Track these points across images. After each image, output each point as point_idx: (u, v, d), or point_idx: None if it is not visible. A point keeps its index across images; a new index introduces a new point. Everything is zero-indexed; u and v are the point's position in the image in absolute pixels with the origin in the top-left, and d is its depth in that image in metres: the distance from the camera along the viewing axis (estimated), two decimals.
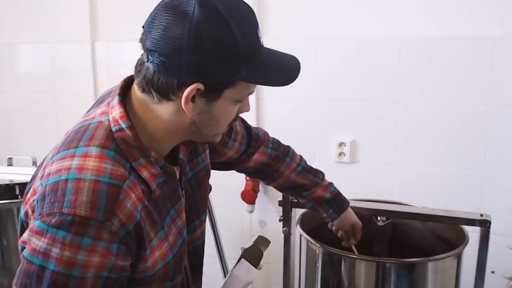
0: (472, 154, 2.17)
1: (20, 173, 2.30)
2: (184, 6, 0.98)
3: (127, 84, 1.12)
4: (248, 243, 1.52)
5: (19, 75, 3.01)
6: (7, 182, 2.35)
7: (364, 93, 2.28)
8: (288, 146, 1.62)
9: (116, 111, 1.07)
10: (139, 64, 1.05)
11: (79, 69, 2.76)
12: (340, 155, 2.34)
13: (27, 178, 1.15)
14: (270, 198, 2.54)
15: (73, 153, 1.02)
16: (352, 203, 1.64)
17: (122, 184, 1.00)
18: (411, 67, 2.19)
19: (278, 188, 1.63)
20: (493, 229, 1.49)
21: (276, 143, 1.59)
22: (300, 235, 1.68)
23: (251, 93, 1.12)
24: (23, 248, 0.98)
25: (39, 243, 0.94)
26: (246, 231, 2.61)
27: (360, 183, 2.31)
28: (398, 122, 2.25)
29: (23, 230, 1.03)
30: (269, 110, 2.46)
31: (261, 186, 2.53)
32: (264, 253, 1.49)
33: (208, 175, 1.39)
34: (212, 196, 2.22)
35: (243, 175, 1.87)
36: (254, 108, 2.44)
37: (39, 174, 1.06)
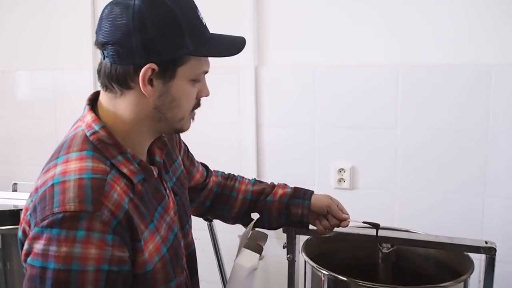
0: (472, 180, 2.18)
1: (24, 199, 2.30)
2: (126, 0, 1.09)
3: (94, 97, 1.20)
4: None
5: (20, 101, 3.03)
6: (12, 208, 2.36)
7: (363, 120, 2.30)
8: None
9: (87, 118, 1.14)
10: (99, 66, 1.14)
11: (81, 96, 2.74)
12: (339, 181, 2.36)
13: None
14: None
15: (55, 163, 1.09)
16: (355, 230, 1.65)
17: (105, 177, 1.05)
18: (409, 94, 2.22)
19: (244, 210, 1.62)
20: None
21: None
22: (305, 262, 1.68)
23: (205, 72, 1.20)
24: (26, 259, 1.02)
25: (37, 245, 0.98)
26: None
27: (360, 209, 2.26)
28: (397, 148, 2.27)
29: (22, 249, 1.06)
30: (268, 136, 2.48)
31: None
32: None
33: (187, 180, 1.46)
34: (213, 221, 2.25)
35: None
36: (253, 135, 2.47)
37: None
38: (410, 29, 2.20)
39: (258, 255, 1.52)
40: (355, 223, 1.59)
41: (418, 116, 2.23)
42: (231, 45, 1.21)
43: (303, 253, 1.69)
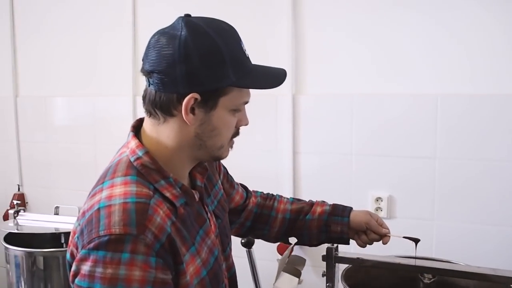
0: (510, 211, 2.16)
1: (65, 222, 2.37)
2: (173, 30, 1.13)
3: (138, 124, 1.25)
4: None
5: (60, 127, 3.10)
6: (53, 231, 2.41)
7: (401, 149, 2.30)
8: None
9: (132, 144, 1.19)
10: (144, 92, 1.19)
11: (120, 122, 2.84)
12: (376, 210, 2.36)
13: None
14: (304, 252, 2.54)
15: (101, 188, 1.12)
16: (396, 260, 1.64)
17: (149, 201, 1.08)
18: (448, 123, 2.22)
19: (284, 229, 1.63)
20: None
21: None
22: None
23: (246, 102, 1.23)
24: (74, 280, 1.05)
25: (84, 267, 1.01)
26: None
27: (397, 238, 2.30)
28: (435, 178, 2.26)
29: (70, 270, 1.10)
30: (305, 164, 2.50)
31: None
32: None
33: (227, 203, 1.49)
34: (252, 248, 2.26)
35: None
36: (290, 162, 2.49)
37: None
38: (449, 58, 2.21)
39: (297, 279, 1.53)
40: (395, 238, 1.59)
41: (457, 146, 2.22)
42: (273, 77, 1.23)
43: (342, 282, 1.68)
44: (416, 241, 1.60)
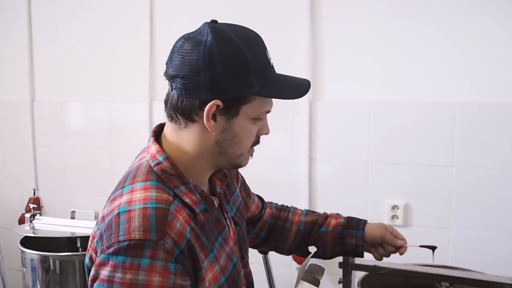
0: None
1: (82, 226, 2.38)
2: (199, 35, 1.12)
3: (158, 129, 1.25)
4: None
5: (76, 132, 3.12)
6: (69, 235, 2.42)
7: (418, 157, 2.29)
8: None
9: (152, 149, 1.19)
10: (166, 96, 1.18)
11: (136, 127, 2.86)
12: (393, 218, 2.35)
13: (89, 232, 1.23)
14: (320, 260, 2.53)
15: (121, 193, 1.12)
16: (413, 268, 1.63)
17: (168, 207, 1.08)
18: (466, 132, 2.21)
19: (298, 241, 1.63)
20: None
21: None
22: None
23: (268, 111, 1.22)
24: (93, 285, 1.04)
25: (103, 272, 1.01)
26: None
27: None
28: (452, 186, 2.25)
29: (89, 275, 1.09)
30: (321, 171, 2.49)
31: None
32: None
33: (245, 211, 1.49)
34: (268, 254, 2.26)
35: None
36: (306, 169, 2.49)
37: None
38: (467, 65, 2.20)
39: (316, 287, 1.52)
40: (412, 247, 1.58)
41: (475, 154, 2.21)
42: (296, 88, 1.22)
43: None
44: (433, 248, 1.60)
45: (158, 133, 1.24)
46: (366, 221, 1.61)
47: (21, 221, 2.95)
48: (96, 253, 1.07)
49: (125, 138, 2.90)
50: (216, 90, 1.10)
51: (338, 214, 1.65)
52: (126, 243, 1.00)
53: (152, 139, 1.21)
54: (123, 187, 1.14)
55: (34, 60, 3.17)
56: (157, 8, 2.80)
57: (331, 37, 2.43)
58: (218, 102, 1.11)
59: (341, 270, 1.71)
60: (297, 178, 2.53)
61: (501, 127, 2.16)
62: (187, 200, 1.14)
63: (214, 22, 1.16)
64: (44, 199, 3.22)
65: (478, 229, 2.23)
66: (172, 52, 1.15)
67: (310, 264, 1.58)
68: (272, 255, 2.23)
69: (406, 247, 1.56)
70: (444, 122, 2.24)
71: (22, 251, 2.41)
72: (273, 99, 1.21)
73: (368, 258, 1.67)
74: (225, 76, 1.09)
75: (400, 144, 2.33)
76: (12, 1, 3.18)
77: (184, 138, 1.17)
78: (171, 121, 1.18)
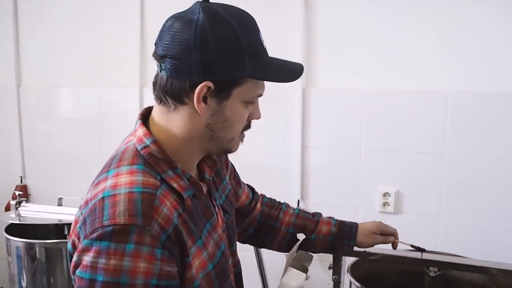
0: None
1: (69, 213, 2.35)
2: (190, 14, 1.08)
3: (146, 112, 1.20)
4: None
5: (65, 118, 3.08)
6: (56, 222, 2.39)
7: (410, 145, 2.29)
8: None
9: (139, 132, 1.14)
10: (155, 78, 1.14)
11: (126, 113, 2.82)
12: (384, 205, 2.34)
13: None
14: None
15: (106, 176, 1.08)
16: (403, 253, 1.63)
17: (155, 192, 1.04)
18: (458, 120, 2.21)
19: (286, 242, 1.62)
20: None
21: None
22: (350, 283, 1.66)
23: (260, 95, 1.18)
24: (75, 271, 1.01)
25: (86, 257, 0.97)
26: None
27: (404, 233, 2.27)
28: (443, 174, 2.25)
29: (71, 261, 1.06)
30: (314, 158, 2.47)
31: None
32: None
33: (234, 199, 1.46)
34: None
35: None
36: (299, 156, 2.47)
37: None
38: (460, 54, 2.19)
39: (304, 274, 1.51)
40: (404, 246, 1.58)
41: (466, 142, 2.21)
42: (289, 71, 1.19)
43: (349, 275, 1.67)
44: (422, 251, 1.62)
45: (146, 116, 1.19)
46: (357, 226, 1.61)
47: (7, 208, 2.90)
48: (78, 239, 1.03)
49: (115, 124, 2.86)
50: (207, 72, 1.06)
51: (329, 218, 1.63)
52: (110, 228, 0.96)
53: (139, 122, 1.16)
54: (108, 171, 1.10)
55: (20, 44, 3.11)
56: None
57: (325, 24, 2.41)
58: (210, 84, 1.06)
59: (331, 256, 1.71)
60: (289, 165, 2.51)
61: (492, 116, 2.16)
62: (175, 185, 1.10)
63: (206, 1, 1.11)
64: (32, 186, 3.17)
65: (467, 216, 2.24)
66: (162, 31, 1.11)
67: (298, 252, 1.57)
68: None
69: (397, 243, 1.61)
70: (436, 110, 2.24)
71: (7, 239, 2.35)
72: (266, 83, 1.18)
73: None
74: (218, 57, 1.05)
75: (392, 132, 2.32)
76: None
77: (173, 121, 1.13)
78: (159, 103, 1.14)
